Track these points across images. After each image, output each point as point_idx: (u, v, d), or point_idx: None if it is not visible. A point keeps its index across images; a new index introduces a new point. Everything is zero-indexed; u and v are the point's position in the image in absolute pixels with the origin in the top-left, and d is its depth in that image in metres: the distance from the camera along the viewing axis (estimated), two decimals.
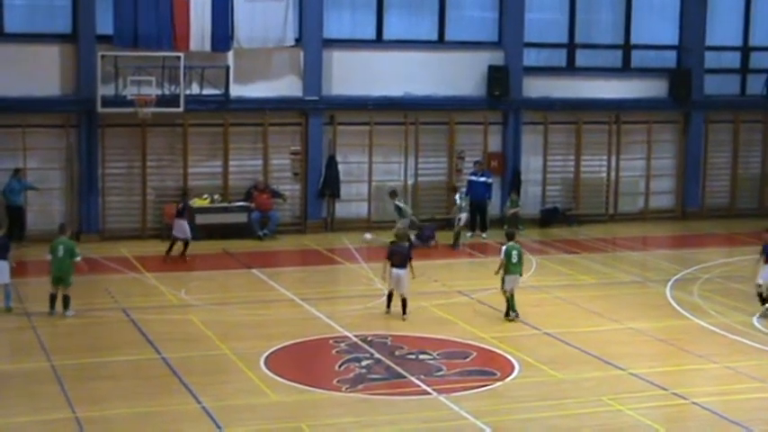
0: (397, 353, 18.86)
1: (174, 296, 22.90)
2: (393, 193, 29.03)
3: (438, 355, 18.81)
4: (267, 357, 18.45)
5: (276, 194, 29.68)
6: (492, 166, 31.49)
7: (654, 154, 33.63)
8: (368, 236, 28.91)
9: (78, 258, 20.99)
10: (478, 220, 30.14)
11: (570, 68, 32.87)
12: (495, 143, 31.96)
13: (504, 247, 21.21)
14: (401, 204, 28.59)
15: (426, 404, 16.38)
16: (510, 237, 21.59)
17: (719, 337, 20.28)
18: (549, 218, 32.21)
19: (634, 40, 33.38)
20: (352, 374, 17.63)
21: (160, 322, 20.76)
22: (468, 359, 18.66)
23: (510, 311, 21.08)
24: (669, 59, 33.85)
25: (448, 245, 28.39)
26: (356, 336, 19.80)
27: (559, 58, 32.97)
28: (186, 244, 26.12)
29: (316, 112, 30.05)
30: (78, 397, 16.25)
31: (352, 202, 30.91)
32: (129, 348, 19.05)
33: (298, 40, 29.68)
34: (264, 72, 29.72)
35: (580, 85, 32.46)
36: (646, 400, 16.71)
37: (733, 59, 34.64)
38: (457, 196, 29.23)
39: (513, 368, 18.13)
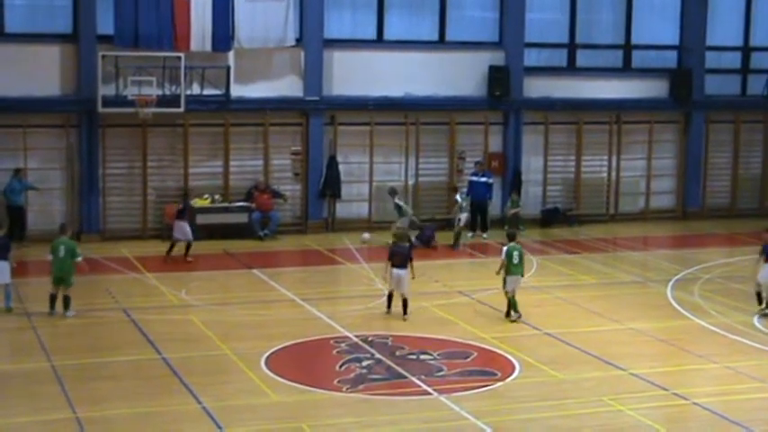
0: (397, 353, 18.86)
1: (175, 296, 22.90)
2: (393, 191, 29.07)
3: (439, 355, 18.81)
4: (268, 357, 18.44)
5: (277, 195, 29.68)
6: (493, 166, 31.49)
7: (654, 154, 33.62)
8: (366, 236, 28.94)
9: (79, 258, 20.99)
10: (479, 220, 30.15)
11: (571, 68, 32.87)
12: (495, 143, 31.96)
13: (505, 248, 21.21)
14: (401, 203, 28.59)
15: (427, 404, 16.38)
16: (511, 237, 21.58)
17: (720, 338, 20.29)
18: (550, 218, 32.21)
19: (635, 40, 33.38)
20: (352, 375, 17.63)
21: (161, 322, 20.76)
22: (468, 359, 18.66)
23: (512, 312, 21.06)
24: (670, 59, 33.85)
25: (448, 245, 28.37)
26: (357, 336, 19.80)
27: (560, 58, 32.97)
28: (189, 245, 26.11)
29: (316, 112, 30.06)
30: (79, 397, 16.25)
31: (353, 202, 30.92)
32: (129, 348, 19.05)
33: (298, 41, 29.68)
34: (265, 72, 29.72)
35: (581, 86, 32.46)
36: (646, 400, 16.71)
37: (734, 59, 34.64)
38: (457, 196, 29.22)
39: (513, 368, 18.13)
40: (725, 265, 26.85)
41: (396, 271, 20.93)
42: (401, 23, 31.17)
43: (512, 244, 21.25)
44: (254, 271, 25.53)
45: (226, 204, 29.32)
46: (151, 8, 27.92)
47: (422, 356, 18.75)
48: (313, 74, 29.79)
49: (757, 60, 34.75)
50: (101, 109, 27.53)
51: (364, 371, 17.84)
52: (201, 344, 19.38)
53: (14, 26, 27.96)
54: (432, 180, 31.48)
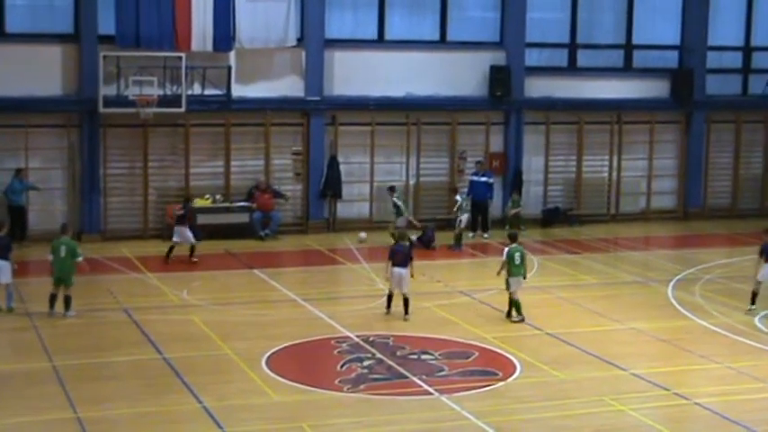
0: (398, 353, 18.85)
1: (176, 296, 22.90)
2: (392, 189, 29.13)
3: (440, 355, 18.81)
4: (269, 357, 18.44)
5: (278, 195, 29.69)
6: (494, 166, 31.49)
7: (655, 154, 33.62)
8: (362, 235, 28.97)
9: (80, 258, 20.99)
10: (480, 220, 30.15)
11: (572, 68, 32.87)
12: (496, 143, 31.95)
13: (506, 249, 21.20)
14: (399, 202, 28.62)
15: (428, 404, 16.38)
16: (513, 238, 21.57)
17: (721, 338, 20.28)
18: (551, 218, 32.21)
19: (636, 40, 33.37)
20: (353, 375, 17.63)
21: (162, 322, 20.76)
22: (469, 359, 18.65)
23: (515, 313, 21.02)
24: (671, 59, 33.84)
25: (448, 245, 28.36)
26: (358, 336, 19.80)
27: (561, 58, 32.96)
28: (193, 247, 26.06)
29: (317, 112, 30.05)
30: (80, 397, 16.25)
31: (354, 202, 30.91)
32: (130, 348, 19.05)
33: (299, 41, 29.69)
34: (266, 72, 29.72)
35: (582, 86, 32.45)
36: (648, 400, 16.71)
37: (735, 59, 34.63)
38: (457, 197, 29.21)
39: (514, 368, 18.12)
40: (726, 266, 26.84)
41: (397, 270, 20.93)
42: (402, 23, 31.17)
43: (513, 245, 21.24)
44: (255, 271, 25.53)
45: (227, 204, 29.32)
46: (152, 8, 27.92)
47: (423, 356, 18.75)
48: (314, 74, 29.79)
49: (758, 60, 34.74)
50: (102, 109, 27.54)
51: (365, 371, 17.84)
52: (202, 344, 19.38)
53: (16, 26, 27.98)
54: (433, 180, 31.48)
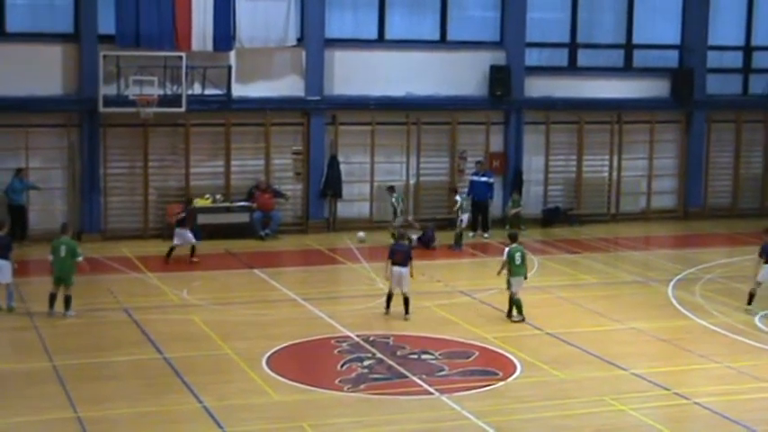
0: (399, 353, 18.86)
1: (176, 296, 22.90)
2: (391, 189, 29.17)
3: (440, 354, 18.81)
4: (269, 357, 18.44)
5: (278, 194, 29.69)
6: (494, 165, 31.48)
7: (656, 154, 33.61)
8: (361, 234, 28.96)
9: (80, 258, 20.98)
10: (480, 219, 30.15)
11: (572, 68, 32.86)
12: (496, 143, 31.95)
13: (507, 249, 21.21)
14: (395, 203, 28.65)
15: (428, 404, 16.38)
16: (513, 238, 21.57)
17: (722, 337, 20.28)
18: (551, 218, 32.21)
19: (636, 39, 33.36)
20: (353, 374, 17.63)
21: (162, 322, 20.76)
22: (470, 359, 18.65)
23: (516, 313, 21.02)
24: (671, 59, 33.83)
25: (449, 245, 28.35)
26: (358, 335, 19.80)
27: (561, 57, 32.95)
28: (193, 248, 26.05)
29: (317, 111, 30.05)
30: (80, 397, 16.25)
31: (354, 201, 30.91)
32: (130, 348, 19.05)
33: (299, 40, 29.69)
34: (266, 72, 29.72)
35: (582, 85, 32.45)
36: (648, 400, 16.71)
37: (735, 59, 34.62)
38: (457, 197, 29.19)
39: (515, 368, 18.13)
40: (726, 265, 26.84)
41: (397, 269, 20.92)
42: (402, 23, 31.17)
43: (514, 245, 21.25)
44: (256, 271, 25.53)
45: (227, 204, 29.31)
46: (152, 8, 27.92)
47: (423, 356, 18.75)
48: (314, 73, 29.79)
49: (759, 60, 34.74)
50: (102, 108, 27.54)
51: (365, 370, 17.84)
52: (203, 343, 19.38)
53: (16, 26, 27.97)
54: (433, 180, 31.48)
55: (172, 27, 28.16)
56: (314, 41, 29.73)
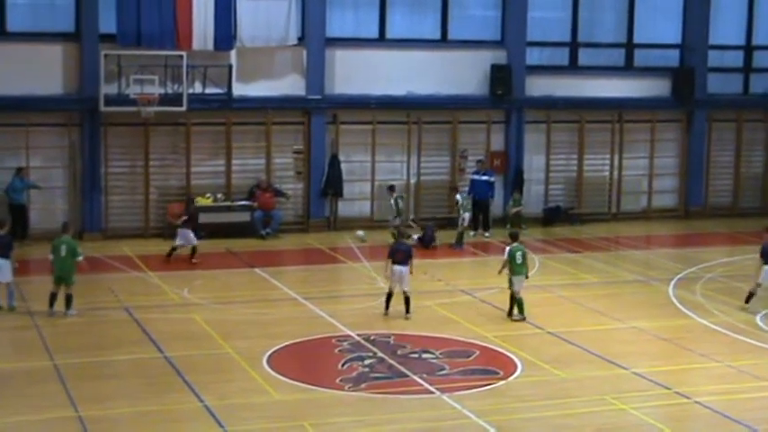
0: (399, 352, 18.86)
1: (177, 295, 22.90)
2: (391, 189, 29.18)
3: (441, 353, 18.81)
4: (270, 356, 18.45)
5: (279, 193, 29.69)
6: (495, 164, 31.48)
7: (657, 153, 33.61)
8: (360, 233, 28.96)
9: (80, 258, 20.97)
10: (481, 219, 30.15)
11: (573, 67, 32.86)
12: (497, 142, 31.95)
13: (508, 248, 21.23)
14: (395, 203, 28.66)
15: (429, 403, 16.38)
16: (514, 237, 21.59)
17: (722, 336, 20.28)
18: (552, 217, 32.20)
19: (637, 38, 33.36)
20: (354, 373, 17.63)
21: (163, 321, 20.76)
22: (470, 358, 18.65)
23: (517, 312, 21.02)
24: (672, 58, 33.82)
25: (449, 244, 28.34)
26: (359, 335, 19.80)
27: (562, 56, 32.94)
28: (194, 248, 26.04)
29: (318, 110, 30.05)
30: (81, 396, 16.25)
31: (355, 200, 30.90)
32: (131, 347, 19.06)
33: (300, 39, 29.68)
34: (267, 71, 29.72)
35: (583, 84, 32.45)
36: (649, 399, 16.71)
37: (736, 58, 34.62)
38: (458, 196, 29.19)
39: (515, 367, 18.13)
40: (727, 264, 26.84)
41: (397, 268, 20.91)
42: (403, 22, 31.17)
43: (515, 244, 21.26)
44: (256, 270, 25.54)
45: (228, 203, 29.32)
46: (153, 7, 27.91)
47: (424, 355, 18.75)
48: (315, 72, 29.79)
49: (760, 59, 34.73)
50: (103, 108, 27.54)
51: (366, 369, 17.84)
52: (204, 342, 19.39)
53: (17, 25, 27.98)
54: (434, 179, 31.48)
55: (173, 26, 28.16)
56: (315, 40, 29.73)
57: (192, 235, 26.05)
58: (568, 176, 32.93)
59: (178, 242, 26.00)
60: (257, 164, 29.92)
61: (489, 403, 16.40)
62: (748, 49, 34.62)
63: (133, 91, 27.47)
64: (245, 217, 29.18)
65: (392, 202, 28.83)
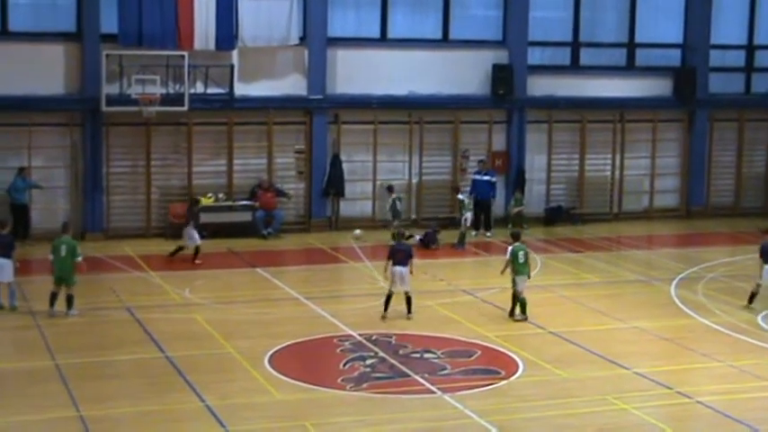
0: (401, 351, 18.86)
1: (179, 295, 22.90)
2: (390, 189, 29.18)
3: (442, 353, 18.81)
4: (271, 356, 18.45)
5: (280, 193, 29.68)
6: (496, 164, 31.48)
7: (658, 152, 33.60)
8: (357, 232, 28.93)
9: (79, 258, 20.93)
10: (483, 218, 30.15)
11: (574, 67, 32.85)
12: (499, 142, 31.94)
13: (510, 248, 21.22)
14: (392, 204, 28.67)
15: (431, 403, 16.38)
16: (516, 237, 21.57)
17: (724, 336, 20.27)
18: (554, 216, 32.20)
19: (638, 38, 33.35)
20: (356, 373, 17.63)
21: (164, 321, 20.77)
22: (472, 358, 18.65)
23: (519, 312, 21.01)
24: (674, 58, 33.81)
25: (451, 244, 28.33)
26: (360, 334, 19.80)
27: (563, 56, 32.94)
28: (197, 248, 26.04)
29: (320, 110, 30.05)
30: (83, 396, 16.26)
31: (357, 200, 30.90)
32: (133, 347, 19.06)
33: (302, 39, 29.69)
34: (269, 71, 29.72)
35: (584, 84, 32.44)
36: (650, 398, 16.71)
37: (737, 58, 34.61)
38: (460, 196, 29.18)
39: (517, 367, 18.12)
40: (729, 264, 26.83)
41: (398, 268, 20.88)
42: (405, 22, 31.17)
43: (517, 244, 21.26)
44: (258, 269, 25.54)
45: (229, 203, 29.32)
46: (155, 7, 27.91)
47: (425, 355, 18.75)
48: (317, 72, 29.79)
49: (761, 59, 34.72)
50: (104, 108, 27.55)
51: (368, 369, 17.84)
52: (205, 342, 19.39)
53: (18, 25, 27.99)
54: (435, 179, 31.48)
55: (174, 26, 28.16)
56: (316, 40, 29.73)
57: (196, 234, 26.05)
58: (570, 176, 32.93)
59: (187, 242, 25.95)
60: (259, 164, 29.92)
61: (491, 403, 16.40)
62: (750, 48, 34.61)
63: (135, 91, 27.48)
64: (246, 217, 29.18)
65: (389, 202, 28.79)
